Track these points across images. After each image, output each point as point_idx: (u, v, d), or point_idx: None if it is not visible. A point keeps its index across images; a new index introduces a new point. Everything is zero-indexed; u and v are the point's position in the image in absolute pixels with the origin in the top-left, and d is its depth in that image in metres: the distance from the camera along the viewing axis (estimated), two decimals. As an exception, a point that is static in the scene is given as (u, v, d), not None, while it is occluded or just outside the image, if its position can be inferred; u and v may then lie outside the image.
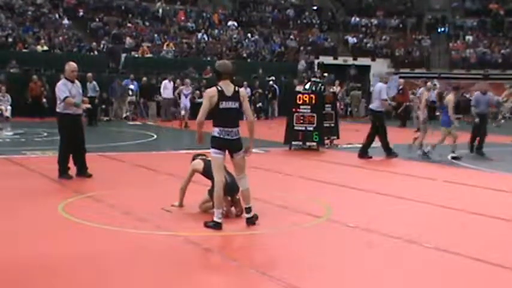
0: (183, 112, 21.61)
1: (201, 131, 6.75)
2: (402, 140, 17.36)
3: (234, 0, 38.71)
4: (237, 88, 6.77)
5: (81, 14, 31.21)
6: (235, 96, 6.71)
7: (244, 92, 6.97)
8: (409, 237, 6.39)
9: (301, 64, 31.82)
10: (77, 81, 10.11)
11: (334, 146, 15.67)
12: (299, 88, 16.11)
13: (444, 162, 12.95)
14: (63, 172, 9.84)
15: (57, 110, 9.94)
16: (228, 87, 6.70)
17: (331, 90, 26.88)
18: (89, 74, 21.46)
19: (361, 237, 6.49)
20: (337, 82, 28.58)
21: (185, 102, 21.71)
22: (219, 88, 6.68)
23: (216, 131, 6.67)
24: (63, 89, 9.79)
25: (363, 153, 13.31)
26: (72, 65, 10.01)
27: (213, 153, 6.71)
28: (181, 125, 21.18)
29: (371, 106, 13.84)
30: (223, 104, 6.63)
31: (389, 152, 13.38)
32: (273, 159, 13.17)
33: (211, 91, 6.69)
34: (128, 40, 29.68)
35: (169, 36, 31.93)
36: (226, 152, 6.75)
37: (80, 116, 10.18)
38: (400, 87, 25.78)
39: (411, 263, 5.67)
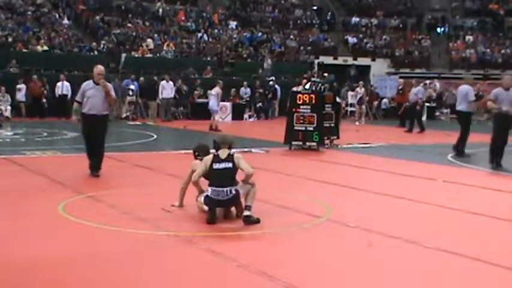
0: (216, 116, 20.41)
1: (198, 189, 7.29)
2: (403, 140, 17.42)
3: (234, 0, 38.71)
4: (232, 152, 7.11)
5: (90, 22, 31.25)
6: (229, 158, 7.03)
7: (239, 155, 7.23)
8: (409, 237, 6.40)
9: (267, 63, 31.20)
10: (105, 83, 10.32)
11: (334, 146, 15.67)
12: (296, 88, 16.11)
13: (444, 162, 12.95)
14: (90, 168, 10.20)
15: None
16: (223, 152, 7.09)
17: (358, 91, 26.47)
18: None
19: (361, 237, 6.49)
20: (361, 83, 28.13)
21: (211, 103, 20.52)
22: (216, 154, 7.14)
23: (209, 191, 7.01)
24: (80, 90, 10.27)
25: (461, 152, 13.47)
26: (99, 68, 10.32)
27: (204, 205, 7.10)
28: (216, 128, 19.81)
29: (459, 108, 13.86)
30: (217, 165, 6.98)
31: (461, 153, 13.51)
32: (273, 159, 13.17)
33: (209, 157, 7.16)
34: (149, 41, 29.81)
35: (169, 36, 31.94)
36: None
37: (96, 116, 10.11)
38: (400, 87, 25.80)
39: (411, 263, 5.67)
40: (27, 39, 27.30)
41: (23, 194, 8.59)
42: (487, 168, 11.97)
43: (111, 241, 6.22)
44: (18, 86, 23.49)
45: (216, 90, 20.32)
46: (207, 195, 6.96)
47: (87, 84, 10.25)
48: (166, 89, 24.54)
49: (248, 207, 6.87)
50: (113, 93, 10.47)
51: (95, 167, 10.15)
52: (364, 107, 26.57)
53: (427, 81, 32.22)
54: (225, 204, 6.98)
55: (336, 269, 5.51)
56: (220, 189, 6.88)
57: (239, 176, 7.09)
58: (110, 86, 10.54)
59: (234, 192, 6.90)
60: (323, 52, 36.12)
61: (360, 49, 37.40)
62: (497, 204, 8.59)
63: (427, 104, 29.84)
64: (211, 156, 7.18)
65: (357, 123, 25.28)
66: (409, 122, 21.40)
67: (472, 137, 14.13)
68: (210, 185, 7.00)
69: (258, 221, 6.84)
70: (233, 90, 26.76)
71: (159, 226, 6.76)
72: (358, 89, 27.06)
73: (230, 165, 6.97)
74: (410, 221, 7.45)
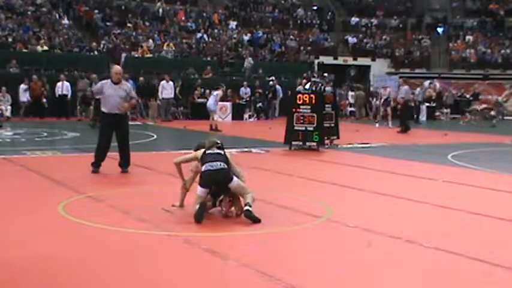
0: (215, 116, 20.74)
1: (180, 171, 7.53)
2: (403, 140, 17.40)
3: (234, 0, 38.72)
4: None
5: (90, 22, 31.30)
6: (220, 150, 7.30)
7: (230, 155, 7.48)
8: (409, 237, 6.39)
9: (248, 61, 31.00)
10: (124, 83, 10.72)
11: (334, 146, 15.68)
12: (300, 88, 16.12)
13: (444, 162, 12.95)
14: (93, 165, 10.43)
15: None
16: (213, 149, 7.32)
17: (382, 92, 26.08)
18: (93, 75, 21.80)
19: (361, 237, 6.49)
20: (387, 85, 27.64)
21: (209, 103, 20.70)
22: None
23: (204, 168, 7.09)
24: (99, 87, 10.58)
25: None
26: (116, 68, 10.75)
27: (198, 191, 7.08)
28: (216, 128, 20.02)
29: None
30: (209, 151, 7.26)
31: None
32: (273, 159, 13.17)
33: (200, 151, 7.33)
34: (150, 42, 29.89)
35: (169, 36, 31.94)
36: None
37: (118, 115, 10.41)
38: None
39: (411, 263, 5.67)
40: (27, 39, 27.31)
41: (22, 194, 8.59)
42: (487, 168, 11.97)
43: (111, 241, 6.21)
44: (24, 87, 23.50)
45: (218, 92, 20.54)
46: (203, 171, 7.06)
47: (106, 83, 10.51)
48: (166, 89, 24.56)
49: (248, 204, 6.91)
50: (133, 94, 10.81)
51: (125, 164, 10.60)
52: (389, 108, 25.15)
53: (427, 82, 32.23)
54: (218, 176, 7.01)
55: (336, 269, 5.51)
56: (214, 162, 7.06)
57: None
58: (129, 85, 10.93)
59: (226, 167, 7.08)
60: (323, 52, 36.14)
61: (360, 49, 37.41)
62: (497, 204, 8.58)
63: (426, 104, 29.89)
64: (202, 151, 7.35)
65: (390, 125, 24.17)
66: (405, 121, 21.45)
67: (471, 137, 14.15)
68: (204, 164, 7.10)
69: (258, 220, 6.85)
70: (229, 91, 26.58)
71: (159, 226, 6.76)
72: (382, 90, 26.24)
73: (222, 152, 7.27)
74: (410, 221, 7.44)
